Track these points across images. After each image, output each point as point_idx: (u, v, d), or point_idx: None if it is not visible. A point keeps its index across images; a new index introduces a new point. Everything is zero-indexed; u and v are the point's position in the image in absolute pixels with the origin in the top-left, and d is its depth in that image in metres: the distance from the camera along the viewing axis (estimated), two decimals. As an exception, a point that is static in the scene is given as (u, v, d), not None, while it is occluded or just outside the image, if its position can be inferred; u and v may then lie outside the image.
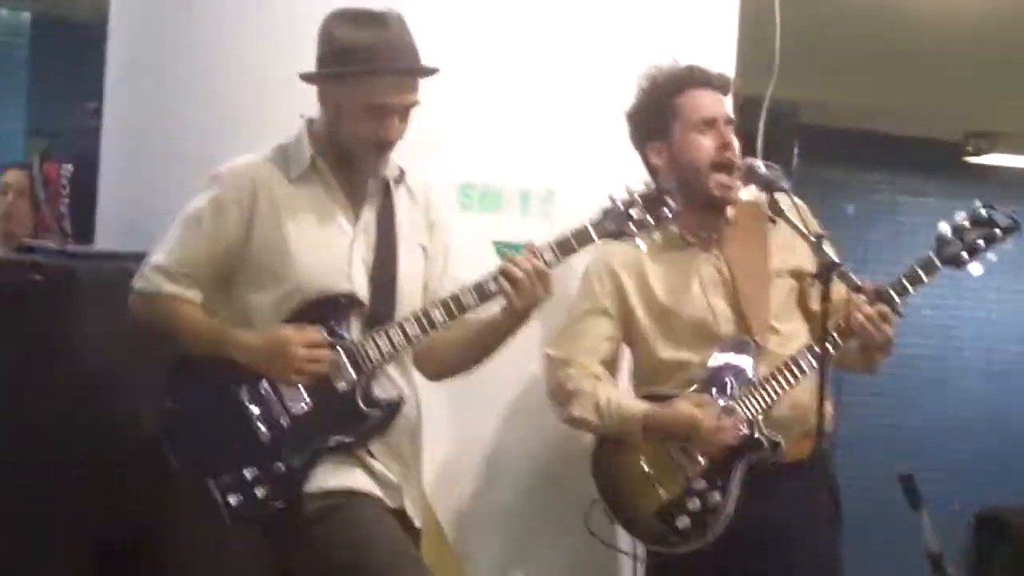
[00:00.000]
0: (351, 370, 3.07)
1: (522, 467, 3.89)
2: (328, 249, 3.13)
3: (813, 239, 3.26)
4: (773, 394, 3.47)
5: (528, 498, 3.88)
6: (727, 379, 3.50)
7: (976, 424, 7.98)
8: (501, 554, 3.89)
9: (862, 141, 7.65)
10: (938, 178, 7.96)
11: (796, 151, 6.52)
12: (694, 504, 3.49)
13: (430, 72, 3.12)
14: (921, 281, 3.47)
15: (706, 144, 3.52)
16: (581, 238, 3.13)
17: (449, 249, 3.33)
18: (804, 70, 5.55)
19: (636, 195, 3.14)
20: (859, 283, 3.27)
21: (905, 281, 3.47)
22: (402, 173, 3.25)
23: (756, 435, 3.47)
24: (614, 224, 3.13)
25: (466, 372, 3.31)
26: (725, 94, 3.63)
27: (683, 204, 3.45)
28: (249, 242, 3.10)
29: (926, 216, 7.92)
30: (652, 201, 3.15)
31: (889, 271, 7.65)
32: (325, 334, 3.07)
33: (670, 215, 3.17)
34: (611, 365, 3.62)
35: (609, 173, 3.67)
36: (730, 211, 3.60)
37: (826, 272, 3.21)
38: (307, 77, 3.11)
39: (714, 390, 3.49)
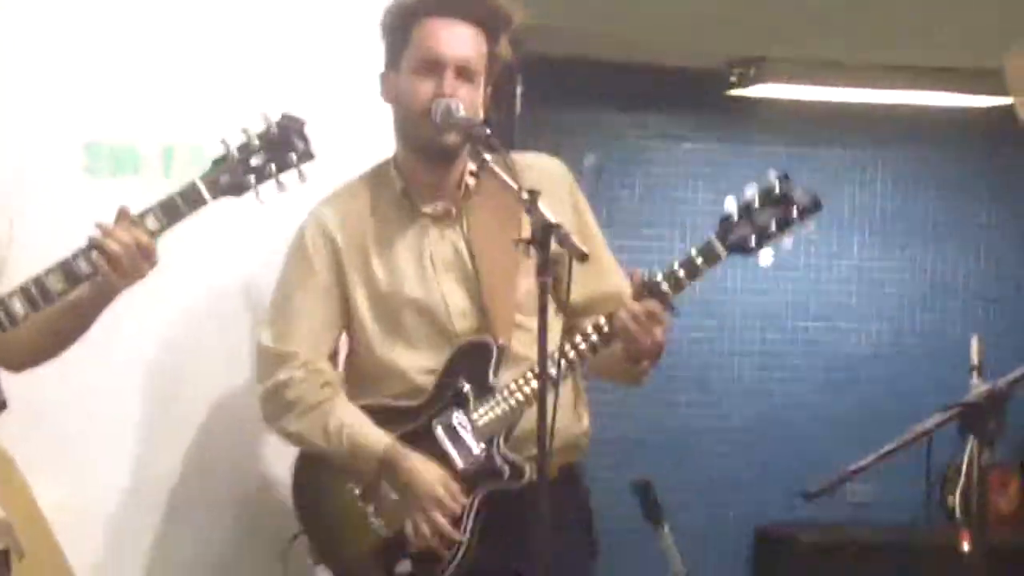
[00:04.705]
0: None
1: (208, 496, 4.12)
2: None
3: (525, 196, 3.35)
4: (518, 408, 3.62)
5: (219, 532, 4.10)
6: (463, 390, 3.65)
7: (752, 424, 8.24)
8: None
9: (601, 74, 7.75)
10: (697, 116, 8.15)
11: (520, 88, 6.60)
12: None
13: None
14: (699, 272, 3.58)
15: (422, 90, 3.65)
16: (191, 198, 3.25)
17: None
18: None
19: (254, 137, 3.26)
20: (583, 250, 3.31)
21: (681, 272, 3.57)
22: None
23: (496, 461, 3.63)
24: (229, 177, 3.25)
25: (52, 357, 3.43)
26: (491, 31, 3.72)
27: (409, 154, 3.70)
28: None
29: (685, 165, 8.17)
30: (275, 144, 3.27)
31: (641, 236, 7.88)
32: None
33: (298, 159, 3.28)
34: (334, 358, 3.77)
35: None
36: (473, 180, 3.74)
37: (543, 235, 3.25)
38: None
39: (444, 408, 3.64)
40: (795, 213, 3.58)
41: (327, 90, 4.13)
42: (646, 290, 3.56)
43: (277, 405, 3.69)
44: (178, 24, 4.04)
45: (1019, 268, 8.45)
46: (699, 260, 3.58)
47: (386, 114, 3.77)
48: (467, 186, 3.74)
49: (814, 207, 3.58)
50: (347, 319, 3.75)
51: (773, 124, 8.18)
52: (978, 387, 3.58)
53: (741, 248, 3.57)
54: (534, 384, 3.57)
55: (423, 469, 3.61)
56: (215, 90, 4.08)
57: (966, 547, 3.58)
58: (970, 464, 3.53)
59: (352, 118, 3.99)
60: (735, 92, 7.80)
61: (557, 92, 7.30)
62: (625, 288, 3.71)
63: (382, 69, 3.78)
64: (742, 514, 8.06)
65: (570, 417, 3.73)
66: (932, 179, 8.53)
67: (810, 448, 7.74)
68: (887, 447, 3.56)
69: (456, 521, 3.61)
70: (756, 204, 3.57)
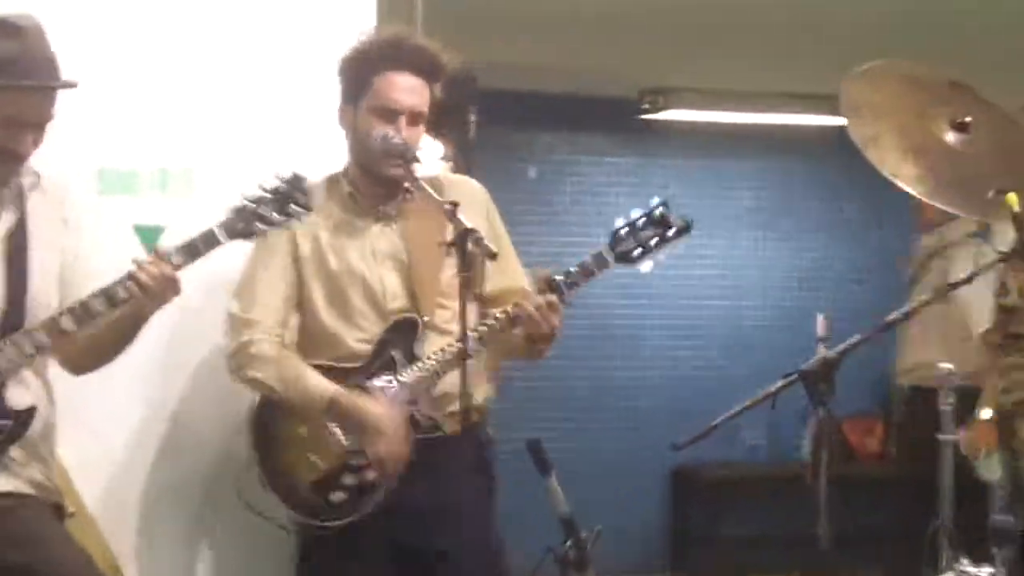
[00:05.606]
0: None
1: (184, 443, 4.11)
2: None
3: (447, 207, 3.51)
4: (437, 373, 3.71)
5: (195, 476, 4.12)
6: (394, 357, 3.73)
7: (667, 382, 8.33)
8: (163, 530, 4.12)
9: (538, 103, 7.89)
10: (617, 136, 8.28)
11: (474, 117, 6.63)
12: (350, 479, 3.72)
13: (69, 85, 3.31)
14: (592, 275, 3.71)
15: (379, 131, 3.70)
16: (208, 242, 3.32)
17: (79, 248, 3.47)
18: (480, 32, 5.73)
19: (266, 192, 3.34)
20: (494, 250, 3.48)
21: (577, 274, 3.71)
22: (38, 177, 3.43)
23: (417, 416, 3.72)
24: (243, 223, 3.33)
25: (106, 363, 3.52)
26: (432, 80, 3.78)
27: (358, 169, 3.79)
28: None
29: (608, 176, 8.27)
30: (282, 197, 3.34)
31: (572, 233, 7.88)
32: None
33: (301, 210, 3.36)
34: (287, 325, 3.82)
35: (248, 148, 4.06)
36: (409, 193, 3.81)
37: (462, 239, 3.43)
38: None
39: (379, 368, 3.70)
40: (670, 233, 3.70)
41: (293, 113, 4.17)
42: (548, 286, 3.69)
43: (242, 359, 3.75)
44: (170, 62, 4.09)
45: (874, 256, 8.50)
46: (592, 266, 3.71)
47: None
48: (404, 196, 3.82)
49: (686, 229, 3.72)
50: (300, 294, 3.80)
51: (678, 142, 8.34)
52: (818, 356, 3.60)
53: (626, 258, 3.70)
54: (450, 355, 3.67)
55: (369, 404, 3.68)
56: (201, 119, 4.13)
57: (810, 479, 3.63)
58: (810, 416, 3.59)
59: (313, 139, 4.06)
60: (647, 116, 7.98)
61: (504, 118, 7.39)
62: (526, 285, 3.84)
63: (340, 103, 3.83)
64: (660, 455, 7.96)
65: (481, 387, 3.83)
66: (808, 185, 8.67)
67: (712, 401, 7.72)
68: (737, 407, 3.61)
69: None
70: (640, 224, 3.69)
